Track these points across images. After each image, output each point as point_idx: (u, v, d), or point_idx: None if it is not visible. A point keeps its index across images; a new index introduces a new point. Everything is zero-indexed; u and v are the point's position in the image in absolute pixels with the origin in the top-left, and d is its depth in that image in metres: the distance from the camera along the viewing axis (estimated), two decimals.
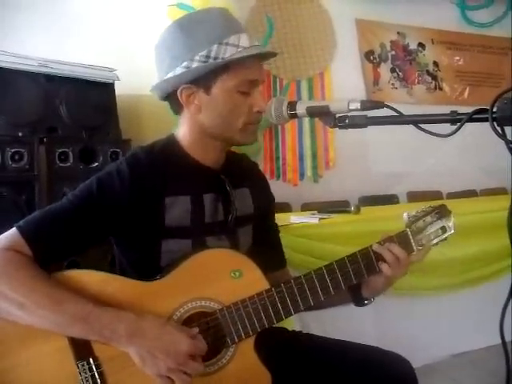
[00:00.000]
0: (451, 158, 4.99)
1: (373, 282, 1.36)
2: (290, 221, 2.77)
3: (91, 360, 1.13)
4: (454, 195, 4.77)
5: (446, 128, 1.02)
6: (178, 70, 1.24)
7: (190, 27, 1.25)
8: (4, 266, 1.12)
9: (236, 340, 1.22)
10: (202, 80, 1.24)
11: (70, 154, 2.77)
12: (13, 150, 2.58)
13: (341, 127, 1.16)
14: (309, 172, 4.71)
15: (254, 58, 1.25)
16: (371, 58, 5.11)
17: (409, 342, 2.47)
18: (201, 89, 1.25)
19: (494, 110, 0.94)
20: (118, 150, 2.95)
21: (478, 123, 0.99)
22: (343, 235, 2.69)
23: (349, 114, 1.15)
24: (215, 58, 1.22)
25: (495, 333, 1.07)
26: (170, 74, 1.26)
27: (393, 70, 5.22)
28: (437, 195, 4.71)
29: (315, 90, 4.74)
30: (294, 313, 1.27)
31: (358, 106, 1.12)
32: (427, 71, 5.42)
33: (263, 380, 1.23)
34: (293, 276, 1.34)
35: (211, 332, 1.21)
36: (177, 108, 1.32)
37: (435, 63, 5.47)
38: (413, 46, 5.36)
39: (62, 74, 2.90)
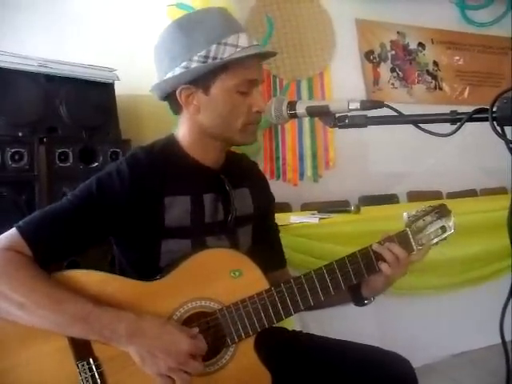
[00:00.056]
0: (451, 157, 4.98)
1: (373, 281, 1.36)
2: (289, 221, 2.77)
3: (91, 360, 1.13)
4: (453, 195, 4.77)
5: (446, 128, 1.02)
6: (177, 71, 1.24)
7: (188, 27, 1.24)
8: (4, 266, 1.12)
9: (236, 340, 1.22)
10: (201, 80, 1.24)
11: (70, 154, 2.77)
12: (13, 150, 2.58)
13: (341, 127, 1.16)
14: (309, 172, 4.71)
15: (253, 57, 1.24)
16: (371, 57, 5.11)
17: (409, 341, 2.47)
18: (200, 89, 1.25)
19: (494, 109, 0.94)
20: (118, 150, 2.95)
21: (478, 123, 1.00)
22: (343, 235, 2.69)
23: (349, 114, 1.15)
24: (214, 58, 1.22)
25: (495, 332, 1.07)
26: (169, 75, 1.26)
27: (393, 70, 5.22)
28: (437, 195, 4.70)
29: (315, 89, 4.74)
30: (294, 313, 1.27)
31: (358, 105, 1.12)
32: (427, 71, 5.42)
33: (263, 380, 1.24)
34: (293, 276, 1.34)
35: (211, 332, 1.21)
36: (176, 108, 1.32)
37: (435, 63, 5.47)
38: (413, 45, 5.36)
39: (62, 74, 2.90)
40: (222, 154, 1.37)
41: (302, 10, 4.69)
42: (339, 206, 3.55)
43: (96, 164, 2.86)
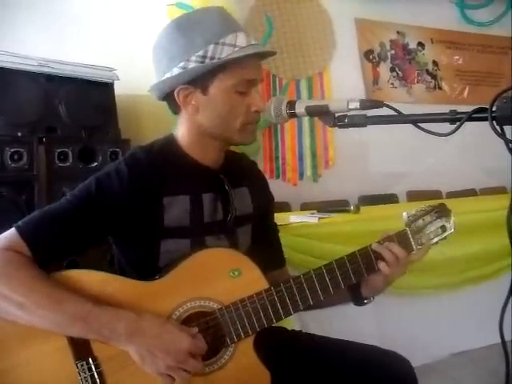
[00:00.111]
0: (451, 157, 4.99)
1: (372, 281, 1.36)
2: (289, 220, 2.77)
3: (90, 360, 1.13)
4: (453, 194, 4.77)
5: (446, 127, 1.02)
6: (175, 71, 1.24)
7: (186, 27, 1.24)
8: (3, 266, 1.12)
9: (235, 340, 1.22)
10: (199, 80, 1.24)
11: (70, 154, 2.77)
12: (12, 150, 2.58)
13: (340, 126, 1.16)
14: (308, 171, 4.71)
15: (251, 57, 1.24)
16: (371, 57, 5.11)
17: (408, 341, 2.47)
18: (198, 89, 1.25)
19: (494, 109, 0.94)
20: (118, 150, 2.94)
21: (478, 122, 0.99)
22: (343, 235, 2.69)
23: (348, 114, 1.15)
24: (212, 58, 1.21)
25: (495, 332, 1.07)
26: (168, 75, 1.25)
27: (392, 70, 5.22)
28: (436, 194, 4.70)
29: (314, 89, 4.74)
30: (294, 312, 1.27)
31: (358, 105, 1.12)
32: (427, 70, 5.42)
33: (263, 379, 1.24)
34: (292, 275, 1.34)
35: (211, 332, 1.21)
36: (175, 108, 1.32)
37: (435, 62, 5.47)
38: (412, 45, 5.36)
39: (62, 74, 2.90)
40: (221, 153, 1.37)
41: (302, 9, 4.69)
42: (339, 206, 3.55)
43: (95, 164, 2.86)
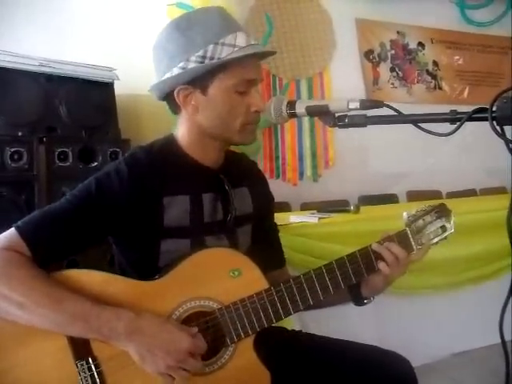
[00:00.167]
0: (451, 157, 4.99)
1: (372, 281, 1.36)
2: (289, 220, 2.77)
3: (90, 360, 1.13)
4: (453, 194, 4.77)
5: (446, 127, 1.02)
6: (175, 71, 1.24)
7: (186, 27, 1.24)
8: (4, 266, 1.12)
9: (235, 339, 1.22)
10: (199, 80, 1.23)
11: (70, 154, 2.77)
12: (12, 150, 2.58)
13: (340, 126, 1.16)
14: (308, 171, 4.71)
15: (251, 57, 1.23)
16: (371, 57, 5.11)
17: (408, 341, 2.46)
18: (197, 89, 1.25)
19: (494, 109, 0.94)
20: (118, 150, 2.95)
21: (478, 122, 0.99)
22: (343, 235, 2.69)
23: (348, 114, 1.15)
24: (211, 59, 1.21)
25: (495, 332, 1.06)
26: (167, 75, 1.25)
27: (392, 70, 5.22)
28: (436, 194, 4.70)
29: (315, 89, 4.74)
30: (294, 312, 1.27)
31: (358, 105, 1.12)
32: (427, 70, 5.42)
33: (263, 379, 1.24)
34: (292, 275, 1.34)
35: (210, 331, 1.21)
36: (175, 108, 1.32)
37: (435, 62, 5.47)
38: (412, 45, 5.36)
39: (62, 74, 2.90)
40: (221, 153, 1.37)
41: (302, 9, 4.69)
42: (339, 206, 3.55)
43: (95, 164, 2.86)
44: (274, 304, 1.24)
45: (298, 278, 1.27)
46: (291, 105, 1.21)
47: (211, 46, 1.21)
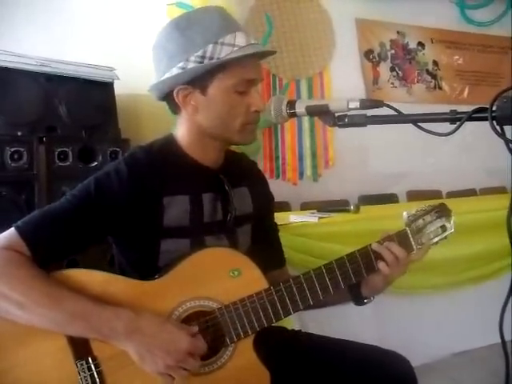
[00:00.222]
0: (451, 157, 4.99)
1: (372, 280, 1.36)
2: (289, 220, 2.77)
3: (90, 359, 1.13)
4: (453, 194, 4.77)
5: (446, 127, 1.02)
6: (174, 71, 1.23)
7: (185, 27, 1.23)
8: (4, 265, 1.12)
9: (235, 339, 1.22)
10: (198, 80, 1.23)
11: (70, 154, 2.77)
12: (12, 150, 2.58)
13: (340, 126, 1.16)
14: (308, 171, 4.71)
15: (250, 57, 1.23)
16: (371, 57, 5.11)
17: (408, 340, 2.46)
18: (197, 89, 1.25)
19: (494, 108, 0.94)
20: (118, 150, 2.94)
21: (478, 122, 0.99)
22: (342, 234, 2.69)
23: (348, 113, 1.15)
24: (211, 58, 1.21)
25: (495, 331, 1.06)
26: (167, 75, 1.25)
27: (392, 69, 5.22)
28: (436, 194, 4.70)
29: (315, 89, 4.74)
30: (293, 312, 1.26)
31: (358, 104, 1.12)
32: (427, 70, 5.42)
33: (262, 379, 1.23)
34: (292, 275, 1.34)
35: (210, 331, 1.21)
36: (174, 108, 1.32)
37: (435, 62, 5.47)
38: (412, 45, 5.36)
39: (62, 74, 2.90)
40: (221, 153, 1.36)
41: (302, 9, 4.69)
42: (339, 206, 3.56)
43: (95, 163, 2.86)
44: (274, 304, 1.24)
45: (297, 278, 1.27)
46: (291, 104, 1.21)
47: (210, 46, 1.20)
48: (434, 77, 5.45)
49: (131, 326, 1.11)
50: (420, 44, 5.39)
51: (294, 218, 2.83)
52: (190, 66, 1.22)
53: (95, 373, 1.12)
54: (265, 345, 1.26)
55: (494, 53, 5.74)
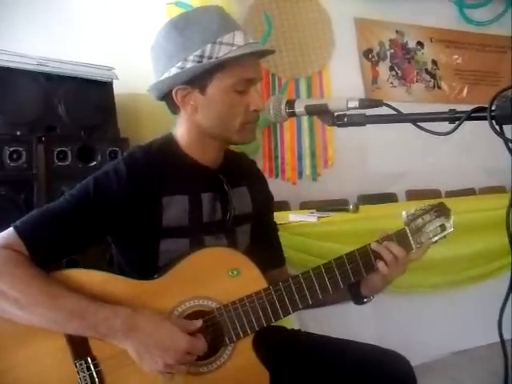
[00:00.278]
0: (450, 156, 4.99)
1: (371, 280, 1.36)
2: (288, 219, 2.77)
3: (89, 359, 1.13)
4: (452, 193, 4.77)
5: (445, 126, 1.02)
6: (173, 71, 1.23)
7: (184, 27, 1.23)
8: (2, 264, 1.11)
9: (234, 339, 1.22)
10: (197, 80, 1.23)
11: (69, 153, 2.77)
12: (11, 149, 2.58)
13: (339, 125, 1.16)
14: (307, 171, 4.71)
15: (249, 56, 1.23)
16: (370, 56, 5.11)
17: (407, 340, 2.47)
18: (196, 89, 1.24)
19: (493, 108, 0.94)
20: (117, 149, 2.95)
21: (477, 121, 0.99)
22: (342, 234, 2.69)
23: (347, 113, 1.15)
24: (209, 58, 1.20)
25: (495, 330, 1.06)
26: (166, 75, 1.25)
27: (391, 69, 5.22)
28: (435, 193, 4.70)
29: (314, 88, 4.74)
30: (293, 312, 1.26)
31: (357, 104, 1.12)
32: (426, 70, 5.42)
33: (262, 379, 1.23)
34: (291, 275, 1.34)
35: (209, 331, 1.21)
36: (174, 108, 1.32)
37: (434, 62, 5.47)
38: (411, 44, 5.36)
39: (61, 73, 2.90)
40: (220, 153, 1.36)
41: (301, 8, 4.69)
42: (338, 205, 3.56)
43: (94, 163, 2.87)
44: (273, 303, 1.24)
45: (296, 278, 1.27)
46: (290, 104, 1.21)
47: (209, 46, 1.20)
48: (433, 76, 5.45)
49: (129, 323, 1.10)
50: (419, 43, 5.40)
51: (293, 217, 2.83)
52: (189, 65, 1.21)
53: (94, 372, 1.12)
54: (264, 344, 1.26)
55: (493, 52, 5.74)
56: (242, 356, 1.23)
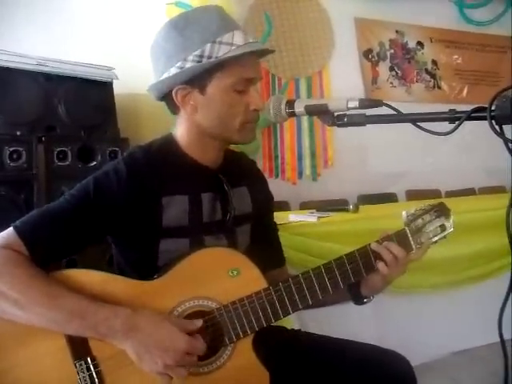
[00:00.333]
0: (450, 156, 4.99)
1: (371, 280, 1.36)
2: (288, 219, 2.77)
3: (89, 359, 1.13)
4: (452, 193, 4.77)
5: (445, 126, 1.02)
6: (173, 71, 1.23)
7: (183, 26, 1.23)
8: (2, 264, 1.11)
9: (234, 339, 1.22)
10: (197, 80, 1.23)
11: (69, 153, 2.77)
12: (11, 149, 2.58)
13: (339, 125, 1.16)
14: (307, 171, 4.71)
15: (248, 55, 1.23)
16: (370, 56, 5.11)
17: (407, 339, 2.47)
18: (196, 89, 1.24)
19: (493, 108, 0.94)
20: (117, 149, 2.94)
21: (477, 121, 0.99)
22: (342, 234, 2.69)
23: (347, 113, 1.14)
24: (209, 58, 1.20)
25: (495, 330, 1.06)
26: (165, 75, 1.25)
27: (391, 69, 5.22)
28: (435, 193, 4.70)
29: (314, 88, 4.74)
30: (293, 312, 1.26)
31: (357, 104, 1.12)
32: (426, 70, 5.42)
33: (262, 379, 1.23)
34: (291, 275, 1.34)
35: (209, 331, 1.20)
36: (174, 108, 1.32)
37: (434, 62, 5.47)
38: (411, 44, 5.36)
39: (61, 73, 2.90)
40: (220, 153, 1.36)
41: (301, 8, 4.69)
42: (338, 205, 3.56)
43: (94, 163, 2.86)
44: (273, 304, 1.24)
45: (296, 278, 1.26)
46: (290, 104, 1.21)
47: (208, 45, 1.20)
48: (433, 76, 5.45)
49: (128, 323, 1.10)
50: (419, 43, 5.39)
51: (293, 217, 2.83)
52: (189, 65, 1.21)
53: (94, 373, 1.12)
54: (264, 344, 1.26)
55: (493, 52, 5.74)
56: (241, 356, 1.23)
